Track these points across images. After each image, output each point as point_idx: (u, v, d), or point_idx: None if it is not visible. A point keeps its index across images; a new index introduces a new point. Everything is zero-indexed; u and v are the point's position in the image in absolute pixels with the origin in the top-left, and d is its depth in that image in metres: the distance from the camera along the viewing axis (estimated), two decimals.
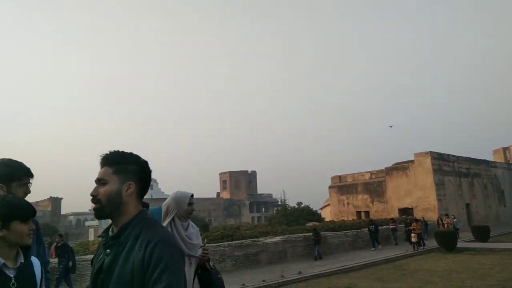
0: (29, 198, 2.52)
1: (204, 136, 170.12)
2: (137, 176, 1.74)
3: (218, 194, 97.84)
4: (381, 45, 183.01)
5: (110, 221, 1.81)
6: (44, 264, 2.35)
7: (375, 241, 19.51)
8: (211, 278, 3.46)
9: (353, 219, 30.81)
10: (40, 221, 2.88)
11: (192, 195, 3.63)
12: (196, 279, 3.40)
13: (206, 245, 3.60)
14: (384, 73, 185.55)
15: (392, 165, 36.04)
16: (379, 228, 20.60)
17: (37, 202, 73.35)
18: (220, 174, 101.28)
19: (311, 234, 17.67)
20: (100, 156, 1.77)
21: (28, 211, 1.94)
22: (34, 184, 2.55)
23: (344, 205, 38.73)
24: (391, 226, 21.97)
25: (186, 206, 3.50)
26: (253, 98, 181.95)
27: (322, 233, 19.26)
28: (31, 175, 2.47)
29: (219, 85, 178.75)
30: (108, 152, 1.77)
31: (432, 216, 29.42)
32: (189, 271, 3.28)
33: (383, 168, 36.34)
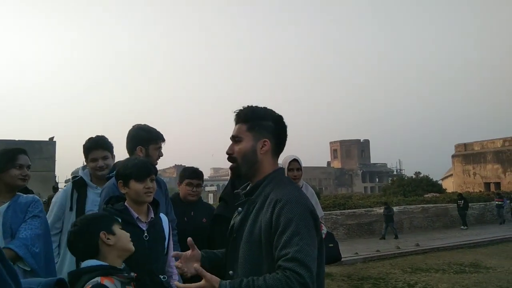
0: (158, 165, 2.77)
1: (313, 104, 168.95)
2: (272, 132, 1.62)
3: (328, 163, 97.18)
4: None
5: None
6: (171, 221, 2.59)
7: (464, 218, 16.61)
8: None
9: (480, 191, 27.98)
10: (166, 185, 3.21)
11: (295, 160, 3.50)
12: None
13: None
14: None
15: None
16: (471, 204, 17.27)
17: (164, 170, 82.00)
18: (331, 143, 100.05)
19: (430, 205, 16.54)
20: (234, 112, 1.68)
21: (143, 171, 2.07)
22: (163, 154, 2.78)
23: (469, 175, 35.24)
24: (497, 202, 18.63)
25: (287, 172, 3.44)
26: (368, 62, 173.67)
27: (443, 205, 17.90)
28: (164, 140, 2.72)
29: (330, 48, 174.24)
30: (242, 108, 1.67)
31: None
32: None
33: None
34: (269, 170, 1.62)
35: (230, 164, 1.67)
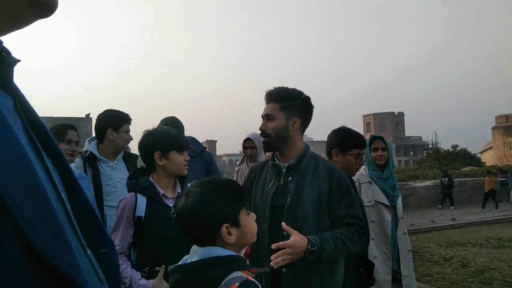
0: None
1: (347, 76, 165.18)
2: (301, 111, 1.86)
3: None
4: None
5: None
6: None
7: (447, 197, 15.00)
8: None
9: None
10: (211, 155, 3.37)
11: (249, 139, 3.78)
12: None
13: None
14: None
15: None
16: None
17: None
18: (364, 116, 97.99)
19: (468, 179, 15.93)
20: (266, 92, 1.87)
21: (183, 143, 1.95)
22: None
23: (510, 148, 33.76)
24: (500, 179, 16.51)
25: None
26: (403, 34, 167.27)
27: (482, 178, 17.29)
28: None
29: (366, 24, 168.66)
30: (273, 88, 1.86)
31: None
32: None
33: None
34: (301, 145, 1.89)
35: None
